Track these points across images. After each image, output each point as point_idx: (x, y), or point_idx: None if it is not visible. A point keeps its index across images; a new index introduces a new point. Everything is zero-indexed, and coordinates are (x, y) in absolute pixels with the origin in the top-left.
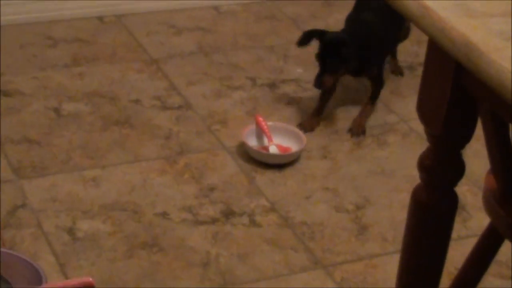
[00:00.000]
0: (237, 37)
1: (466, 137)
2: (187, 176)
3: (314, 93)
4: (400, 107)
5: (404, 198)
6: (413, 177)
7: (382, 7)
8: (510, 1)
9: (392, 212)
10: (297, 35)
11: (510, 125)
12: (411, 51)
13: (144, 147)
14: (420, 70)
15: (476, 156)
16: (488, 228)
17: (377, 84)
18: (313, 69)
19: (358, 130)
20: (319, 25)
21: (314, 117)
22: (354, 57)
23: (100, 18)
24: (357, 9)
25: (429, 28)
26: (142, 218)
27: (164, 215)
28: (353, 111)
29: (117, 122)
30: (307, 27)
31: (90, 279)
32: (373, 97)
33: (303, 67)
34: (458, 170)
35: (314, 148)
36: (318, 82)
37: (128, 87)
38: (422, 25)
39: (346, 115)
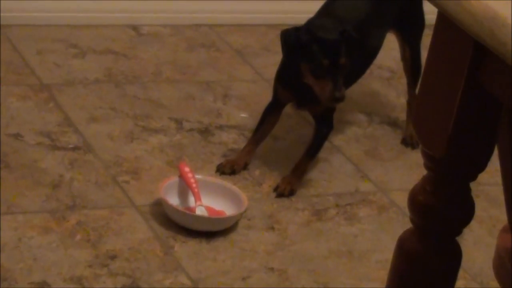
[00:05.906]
0: (161, 66)
1: (480, 163)
2: (79, 238)
3: None
4: (378, 174)
5: None
6: (390, 263)
7: None
8: None
9: None
10: (242, 70)
11: None
12: (396, 103)
13: (22, 196)
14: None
15: (478, 243)
16: None
17: (324, 124)
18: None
19: (284, 190)
20: (272, 60)
21: (244, 155)
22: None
23: None
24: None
25: None
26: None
27: (44, 285)
28: (311, 173)
29: None
30: (255, 61)
31: None
32: (314, 147)
33: (248, 112)
34: (465, 210)
35: (257, 216)
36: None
37: (7, 117)
38: None
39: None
